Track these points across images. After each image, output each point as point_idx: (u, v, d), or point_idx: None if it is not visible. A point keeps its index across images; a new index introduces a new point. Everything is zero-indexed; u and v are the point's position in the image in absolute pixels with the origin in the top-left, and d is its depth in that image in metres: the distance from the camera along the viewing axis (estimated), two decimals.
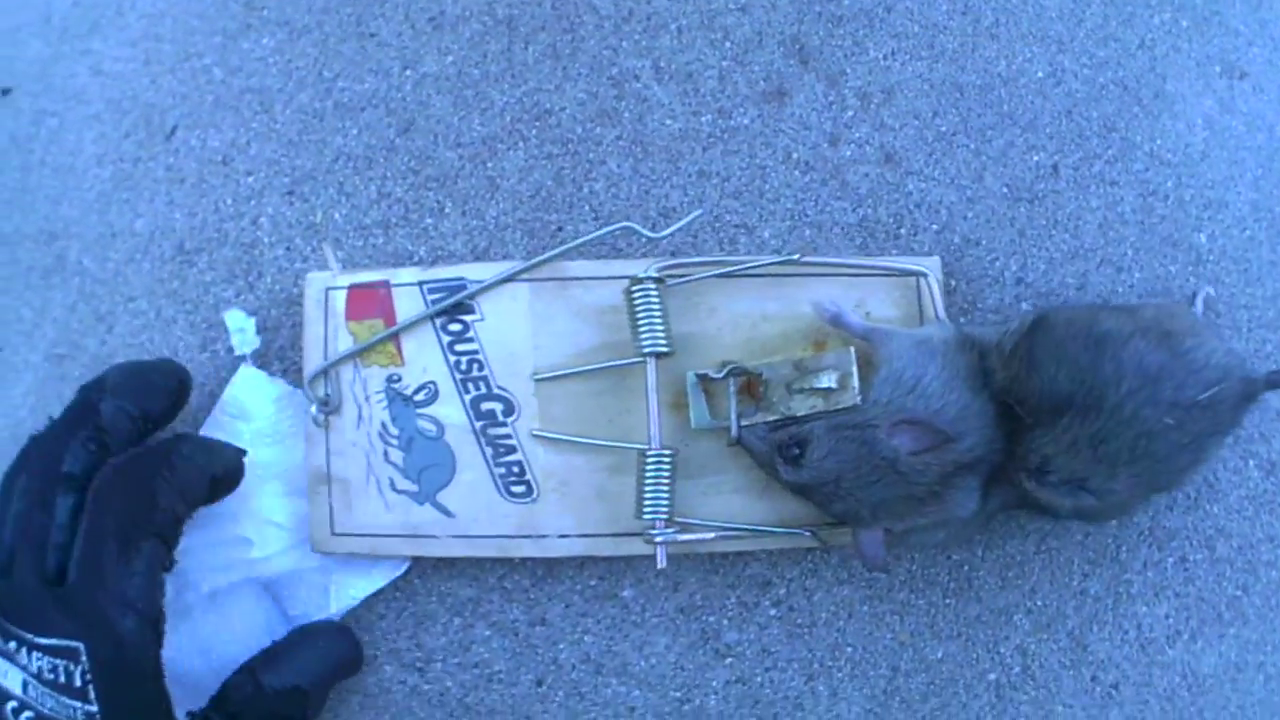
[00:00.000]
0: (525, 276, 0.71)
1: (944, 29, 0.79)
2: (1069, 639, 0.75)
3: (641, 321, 0.67)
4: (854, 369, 0.66)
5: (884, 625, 0.73)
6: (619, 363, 0.69)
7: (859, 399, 0.65)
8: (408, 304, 0.72)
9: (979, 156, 0.77)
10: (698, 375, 0.69)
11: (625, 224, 0.70)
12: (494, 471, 0.70)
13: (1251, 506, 0.78)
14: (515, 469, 0.70)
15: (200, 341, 0.78)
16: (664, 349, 0.67)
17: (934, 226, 0.75)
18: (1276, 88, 0.81)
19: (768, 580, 0.73)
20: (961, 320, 0.74)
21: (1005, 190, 0.77)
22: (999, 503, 0.68)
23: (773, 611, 0.73)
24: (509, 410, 0.70)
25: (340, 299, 0.73)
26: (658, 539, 0.65)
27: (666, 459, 0.66)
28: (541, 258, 0.70)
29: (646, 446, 0.66)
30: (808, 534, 0.69)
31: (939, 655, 0.74)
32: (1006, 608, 0.75)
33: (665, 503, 0.66)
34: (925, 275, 0.71)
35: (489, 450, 0.70)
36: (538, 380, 0.70)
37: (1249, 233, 0.79)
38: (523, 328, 0.71)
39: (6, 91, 0.88)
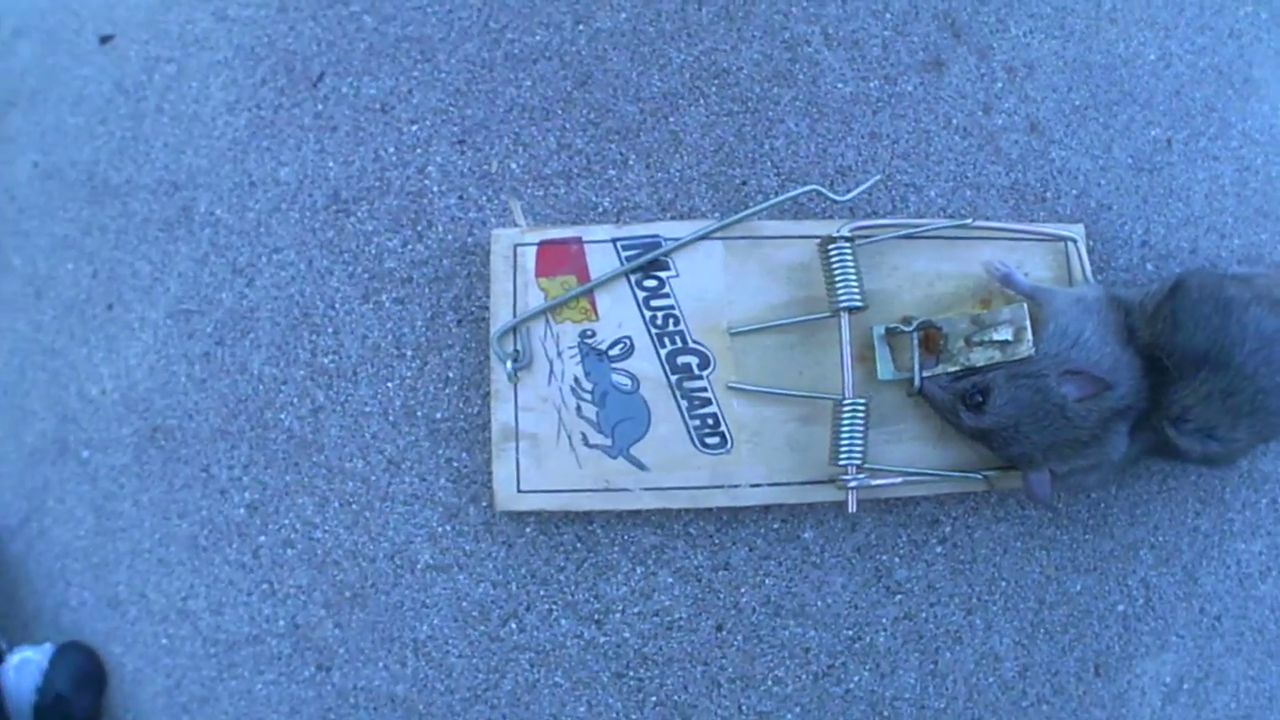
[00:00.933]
0: (719, 235, 0.75)
1: (1072, 11, 0.87)
2: (1183, 572, 0.85)
3: (838, 277, 0.72)
4: (1028, 323, 0.74)
5: (1033, 560, 0.81)
6: (814, 317, 0.74)
7: (1033, 351, 0.72)
8: (601, 260, 0.75)
9: (1108, 129, 0.85)
10: (887, 329, 0.75)
11: (813, 187, 0.75)
12: (689, 424, 0.74)
13: None
14: (710, 421, 0.74)
15: (362, 293, 0.78)
16: (858, 304, 0.72)
17: (1074, 192, 0.83)
18: None
19: (936, 519, 0.80)
20: (1100, 279, 0.83)
21: (1130, 161, 0.85)
22: (1139, 448, 0.77)
23: (939, 549, 0.80)
24: (704, 363, 0.75)
25: (530, 255, 0.75)
26: (851, 484, 0.71)
27: (861, 408, 0.72)
28: (735, 217, 0.75)
29: (841, 397, 0.72)
30: (981, 478, 0.76)
31: (1078, 588, 0.83)
32: (1134, 543, 0.84)
33: (860, 450, 0.72)
34: (1075, 240, 0.79)
35: (684, 403, 0.74)
36: (733, 334, 0.74)
37: None
38: (717, 283, 0.75)
39: (107, 39, 0.85)
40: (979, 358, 0.73)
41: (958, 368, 0.74)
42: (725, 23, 0.81)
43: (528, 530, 0.78)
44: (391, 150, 0.79)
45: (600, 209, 0.78)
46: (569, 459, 0.74)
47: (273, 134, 0.80)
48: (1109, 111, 0.86)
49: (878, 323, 0.75)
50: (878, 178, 0.77)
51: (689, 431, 0.74)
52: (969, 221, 0.76)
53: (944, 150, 0.81)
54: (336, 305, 0.78)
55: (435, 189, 0.79)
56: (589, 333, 0.75)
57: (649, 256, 0.74)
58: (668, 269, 0.75)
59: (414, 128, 0.79)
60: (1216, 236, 0.87)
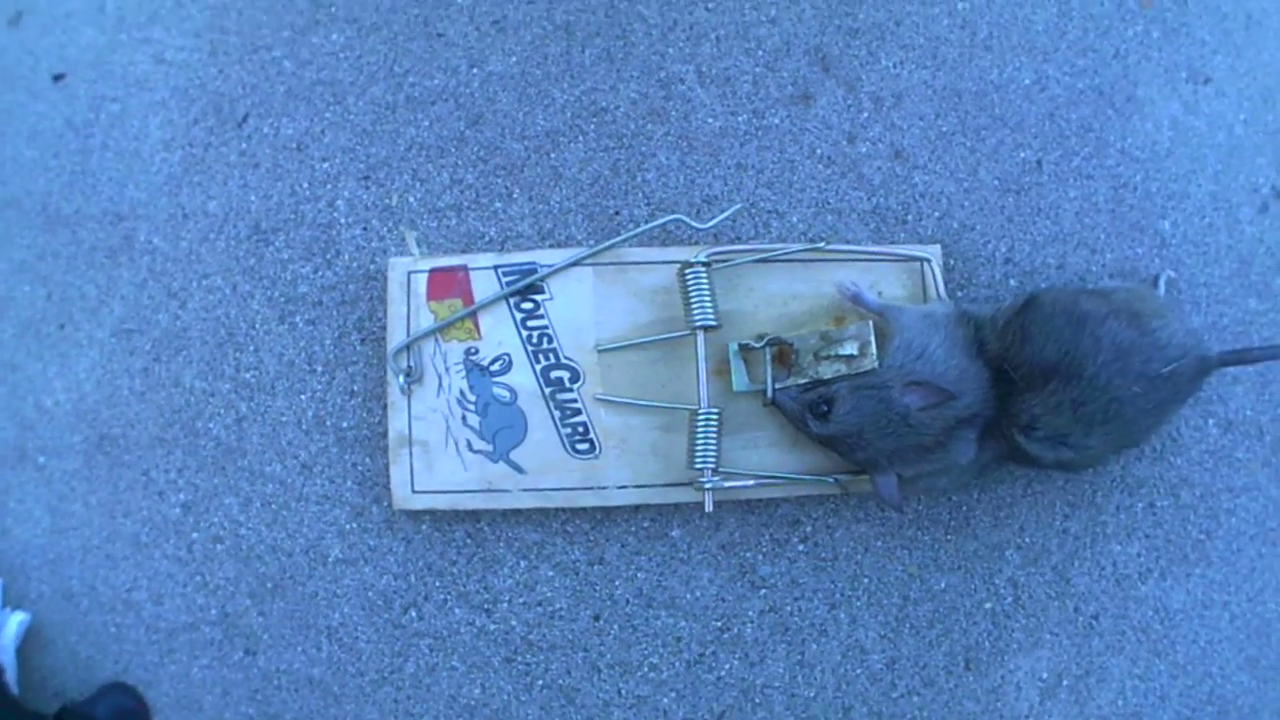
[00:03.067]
0: (590, 261, 0.89)
1: (945, 40, 0.99)
2: (1053, 572, 0.97)
3: (693, 299, 0.86)
4: (872, 339, 0.86)
5: (895, 559, 0.94)
6: (672, 335, 0.87)
7: (877, 364, 0.85)
8: (484, 285, 0.90)
9: (974, 153, 0.98)
10: (739, 345, 0.89)
11: (676, 216, 0.88)
12: (561, 431, 0.89)
13: (1211, 460, 1.00)
14: (580, 429, 0.89)
15: (279, 315, 0.94)
16: (712, 323, 0.86)
17: (936, 214, 0.96)
18: (1237, 92, 1.04)
19: (797, 519, 0.93)
20: (959, 296, 0.95)
21: (996, 183, 0.98)
22: (992, 453, 0.89)
23: (801, 547, 0.93)
24: (575, 377, 0.89)
25: (422, 281, 0.90)
26: (706, 486, 0.85)
27: (714, 417, 0.85)
28: (604, 245, 0.89)
29: (697, 407, 0.86)
30: (832, 481, 0.89)
31: (942, 586, 0.95)
32: (999, 543, 0.96)
33: (713, 455, 0.85)
34: (928, 260, 0.92)
35: (557, 413, 0.89)
36: (600, 351, 0.88)
37: (1208, 220, 1.02)
38: (587, 305, 0.89)
39: (60, 77, 1.03)
40: (827, 371, 0.86)
41: (807, 380, 0.87)
42: (606, 64, 0.95)
43: (423, 527, 0.93)
44: (305, 185, 0.95)
45: (487, 238, 0.92)
46: (456, 463, 0.89)
47: (203, 170, 0.96)
48: (977, 136, 0.98)
49: (734, 339, 0.89)
50: (738, 206, 0.90)
51: (561, 438, 0.89)
52: (822, 244, 0.90)
53: (807, 178, 0.95)
54: (257, 326, 0.94)
55: (343, 221, 0.94)
56: (473, 350, 0.89)
57: (525, 282, 0.89)
58: (543, 293, 0.89)
59: (325, 165, 0.95)
60: (1087, 252, 0.99)
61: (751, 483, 0.87)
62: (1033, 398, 0.83)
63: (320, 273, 0.94)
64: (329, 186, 0.95)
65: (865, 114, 0.96)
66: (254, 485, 0.95)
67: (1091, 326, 0.84)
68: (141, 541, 0.97)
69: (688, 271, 0.86)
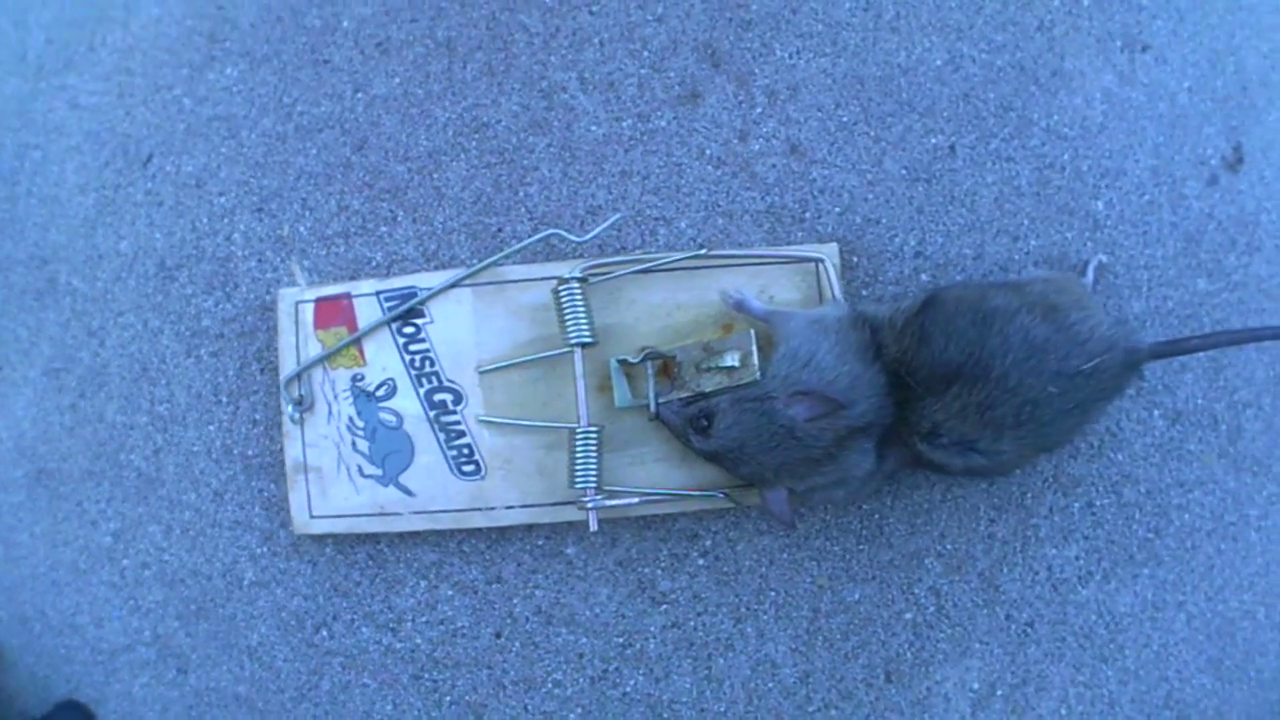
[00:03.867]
0: (468, 282, 0.89)
1: (847, 25, 0.95)
2: (980, 580, 0.93)
3: (567, 317, 0.85)
4: (754, 348, 0.84)
5: (803, 570, 0.92)
6: (550, 354, 0.87)
7: (759, 375, 0.83)
8: (367, 312, 0.91)
9: (878, 143, 0.94)
10: (619, 360, 0.88)
11: (552, 231, 0.88)
12: (447, 454, 0.90)
13: (1158, 454, 0.95)
14: (465, 451, 0.89)
15: (186, 348, 0.98)
16: (588, 340, 0.85)
17: (836, 210, 0.93)
18: (1179, 58, 0.97)
19: (695, 533, 0.92)
20: (864, 294, 0.92)
21: (904, 172, 0.93)
22: (895, 462, 0.86)
23: (701, 561, 0.92)
24: (458, 399, 0.90)
25: (309, 311, 0.92)
26: (589, 506, 0.84)
27: (593, 435, 0.85)
28: (480, 265, 0.89)
29: (576, 425, 0.85)
30: (721, 495, 0.88)
31: (856, 597, 0.93)
32: (917, 552, 0.93)
33: (594, 474, 0.84)
34: (821, 260, 0.89)
35: (442, 436, 0.90)
36: (481, 372, 0.89)
37: (1148, 197, 0.96)
38: (467, 327, 0.89)
39: None
40: (708, 384, 0.85)
41: (689, 394, 0.85)
42: (487, 78, 0.95)
43: (327, 550, 0.95)
44: (205, 221, 0.97)
45: (373, 263, 0.93)
46: (349, 488, 0.91)
47: (114, 211, 1.00)
48: (882, 124, 0.94)
49: (616, 354, 0.88)
50: (619, 215, 0.89)
51: (447, 461, 0.90)
52: (703, 252, 0.88)
53: (696, 181, 0.92)
54: (167, 360, 0.98)
55: (239, 254, 0.97)
56: (359, 376, 0.91)
57: (405, 307, 0.90)
58: (424, 316, 0.90)
59: (222, 199, 0.98)
60: (1008, 240, 0.94)
61: (636, 500, 0.86)
62: (933, 403, 0.80)
63: (221, 306, 0.97)
64: (226, 220, 0.97)
65: (758, 109, 0.94)
66: (173, 513, 0.98)
67: (1000, 324, 0.79)
68: (80, 568, 1.02)
69: (561, 288, 0.85)
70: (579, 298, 0.85)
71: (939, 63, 0.95)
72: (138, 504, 1.00)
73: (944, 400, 0.79)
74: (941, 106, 0.95)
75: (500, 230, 0.93)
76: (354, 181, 0.95)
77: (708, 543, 0.92)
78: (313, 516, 0.92)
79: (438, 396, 0.90)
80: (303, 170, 0.96)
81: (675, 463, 0.88)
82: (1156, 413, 0.95)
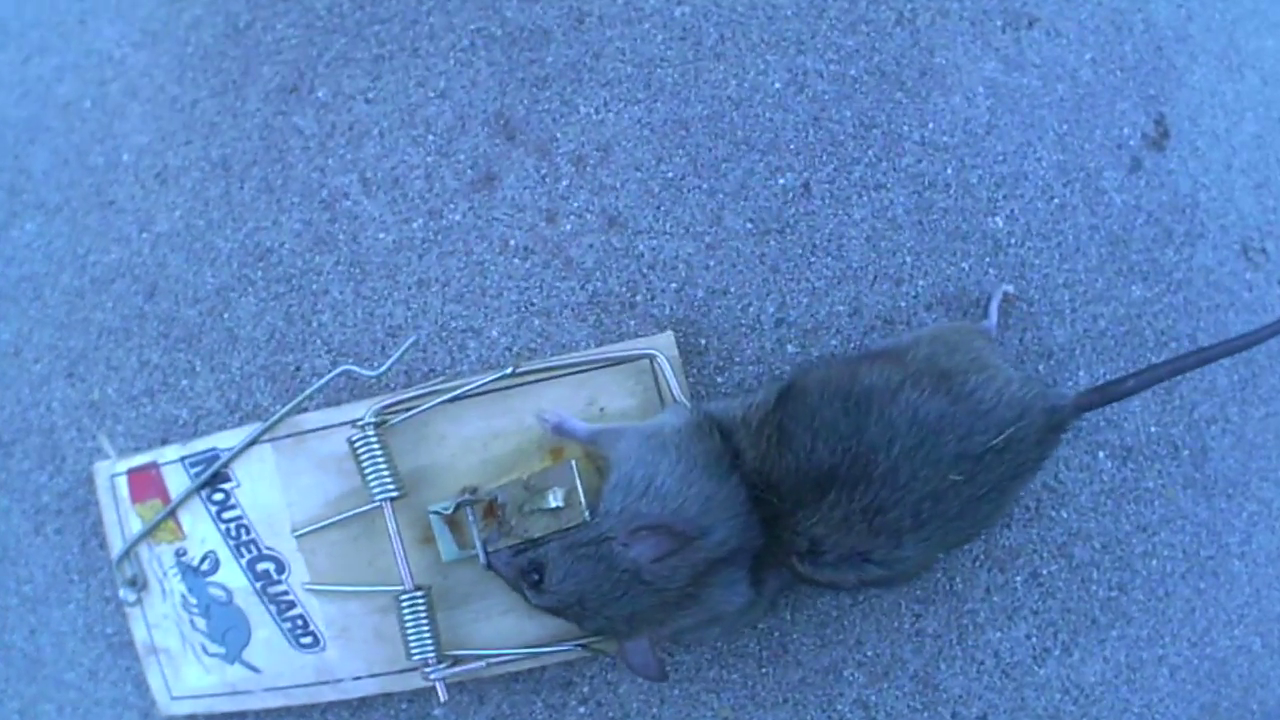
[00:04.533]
0: (266, 438, 0.80)
1: (661, 61, 0.79)
2: (914, 682, 0.79)
3: (367, 469, 0.75)
4: (577, 482, 0.72)
5: (701, 705, 0.80)
6: (359, 510, 0.77)
7: (586, 514, 0.71)
8: (176, 480, 0.83)
9: (714, 196, 0.78)
10: (435, 511, 0.77)
11: (344, 368, 0.77)
12: (282, 626, 0.81)
13: (1110, 500, 0.78)
14: (300, 622, 0.81)
15: (33, 526, 0.93)
16: (393, 494, 0.74)
17: (672, 285, 0.78)
18: (1074, 28, 0.77)
19: (569, 680, 0.81)
20: (720, 381, 0.77)
21: (750, 226, 0.78)
22: (777, 585, 0.72)
23: (582, 709, 0.81)
24: (280, 568, 0.81)
25: (123, 484, 0.85)
26: (431, 676, 0.75)
27: (420, 600, 0.75)
28: (274, 418, 0.79)
29: (401, 588, 0.75)
30: (576, 647, 0.76)
31: None
32: (833, 664, 0.79)
33: (428, 641, 0.75)
34: (654, 357, 0.75)
35: (273, 608, 0.81)
36: (298, 536, 0.80)
37: (1058, 200, 0.77)
38: (274, 487, 0.80)
39: None
40: (535, 528, 0.73)
41: (517, 540, 0.74)
42: (266, 195, 0.84)
43: None
44: (26, 391, 0.91)
45: (180, 422, 0.85)
46: (198, 668, 0.84)
47: None
48: (715, 173, 0.79)
49: (434, 501, 0.77)
50: (412, 340, 0.77)
51: (284, 634, 0.81)
52: (509, 371, 0.75)
53: (502, 279, 0.80)
54: (20, 539, 0.93)
55: (60, 424, 0.90)
56: (181, 551, 0.83)
57: (208, 473, 0.81)
58: (230, 480, 0.81)
59: (37, 366, 0.91)
60: (889, 285, 0.78)
61: (483, 664, 0.76)
62: (808, 516, 0.66)
63: (54, 480, 0.91)
64: (44, 389, 0.91)
65: (565, 181, 0.80)
66: (61, 692, 0.94)
67: (878, 407, 0.65)
68: None
69: (355, 437, 0.75)
70: (375, 446, 0.74)
71: (778, 86, 0.79)
72: (29, 683, 0.96)
73: (820, 511, 0.65)
74: (787, 138, 0.79)
75: (299, 368, 0.83)
76: (150, 333, 0.87)
77: (585, 689, 0.81)
78: (173, 698, 0.86)
79: (260, 566, 0.81)
80: (103, 326, 0.89)
81: (526, 613, 0.77)
82: (1102, 454, 0.78)
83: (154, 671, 0.85)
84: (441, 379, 0.79)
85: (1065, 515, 0.78)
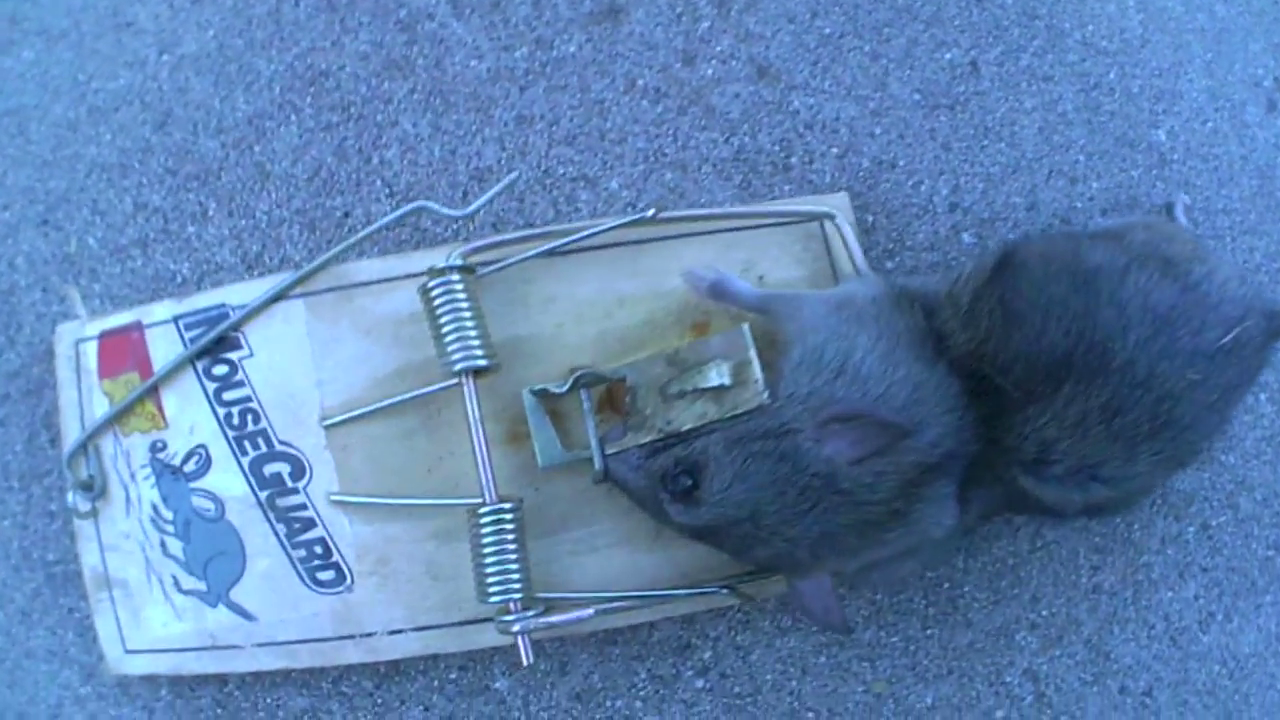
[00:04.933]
0: (299, 291, 0.34)
1: None
2: (1087, 649, 0.39)
3: (448, 329, 0.30)
4: (752, 353, 0.30)
5: (851, 677, 0.37)
6: (427, 389, 0.32)
7: (766, 395, 0.29)
8: (165, 347, 0.35)
9: (877, 60, 0.40)
10: (536, 392, 0.32)
11: (419, 204, 0.33)
12: (291, 555, 0.34)
13: (1271, 449, 0.41)
14: (318, 549, 0.34)
15: None
16: (481, 362, 0.30)
17: (833, 150, 0.38)
18: None
19: (687, 643, 0.37)
20: (889, 269, 0.37)
21: (917, 98, 0.39)
22: (980, 509, 0.32)
23: (700, 683, 0.37)
24: (298, 471, 0.34)
25: (91, 352, 0.37)
26: (515, 629, 0.29)
27: (508, 517, 0.30)
28: (315, 263, 0.34)
29: (479, 501, 0.30)
30: (724, 590, 0.33)
31: (929, 701, 0.38)
32: (1005, 626, 0.39)
33: (516, 577, 0.30)
34: (832, 217, 0.34)
35: (281, 527, 0.34)
36: (328, 426, 0.34)
37: (1211, 125, 0.42)
38: (302, 358, 0.34)
39: None
40: (684, 417, 0.30)
41: (655, 436, 0.30)
42: (326, 14, 0.40)
43: (163, 693, 0.39)
44: None
45: (179, 278, 0.38)
46: (166, 610, 0.36)
47: None
48: (878, 37, 0.40)
49: (532, 383, 0.32)
50: (514, 175, 0.34)
51: (294, 565, 0.34)
52: (649, 214, 0.32)
53: (627, 122, 0.38)
54: None
55: (23, 283, 0.41)
56: (159, 444, 0.35)
57: (211, 335, 0.34)
58: (240, 348, 0.34)
59: (6, 214, 0.42)
60: (1064, 182, 0.40)
61: (591, 612, 0.31)
62: (1040, 413, 0.29)
63: (4, 355, 0.41)
64: (9, 242, 0.42)
65: (706, 23, 0.39)
66: None
67: (1108, 287, 0.29)
68: None
69: (434, 285, 0.30)
70: (463, 299, 0.30)
71: None
72: None
73: (1053, 408, 0.29)
74: (950, 14, 0.41)
75: (347, 215, 0.38)
76: (153, 170, 0.40)
77: (706, 654, 0.37)
78: (127, 651, 0.36)
79: (269, 468, 0.34)
80: (94, 163, 0.41)
81: (644, 544, 0.34)
82: (1264, 397, 0.41)
83: (105, 613, 0.36)
84: (552, 224, 0.34)
85: (1232, 461, 0.41)
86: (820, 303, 0.33)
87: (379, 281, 0.35)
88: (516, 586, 0.31)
